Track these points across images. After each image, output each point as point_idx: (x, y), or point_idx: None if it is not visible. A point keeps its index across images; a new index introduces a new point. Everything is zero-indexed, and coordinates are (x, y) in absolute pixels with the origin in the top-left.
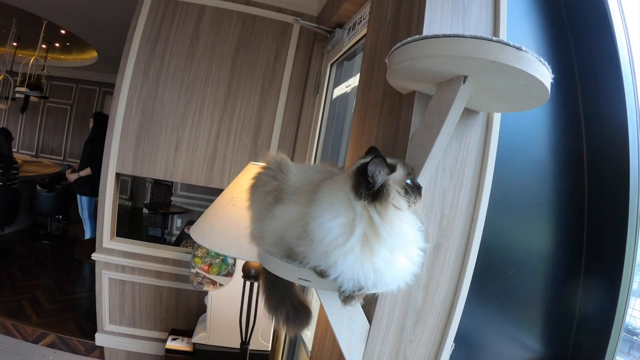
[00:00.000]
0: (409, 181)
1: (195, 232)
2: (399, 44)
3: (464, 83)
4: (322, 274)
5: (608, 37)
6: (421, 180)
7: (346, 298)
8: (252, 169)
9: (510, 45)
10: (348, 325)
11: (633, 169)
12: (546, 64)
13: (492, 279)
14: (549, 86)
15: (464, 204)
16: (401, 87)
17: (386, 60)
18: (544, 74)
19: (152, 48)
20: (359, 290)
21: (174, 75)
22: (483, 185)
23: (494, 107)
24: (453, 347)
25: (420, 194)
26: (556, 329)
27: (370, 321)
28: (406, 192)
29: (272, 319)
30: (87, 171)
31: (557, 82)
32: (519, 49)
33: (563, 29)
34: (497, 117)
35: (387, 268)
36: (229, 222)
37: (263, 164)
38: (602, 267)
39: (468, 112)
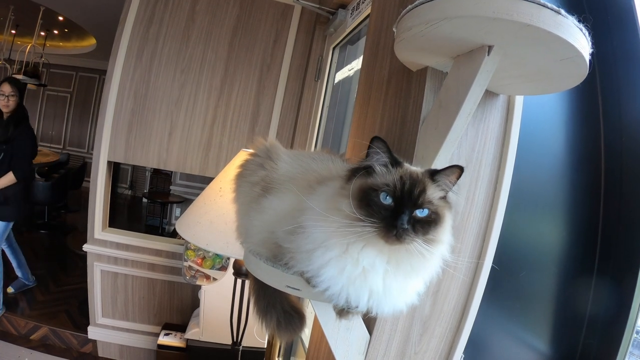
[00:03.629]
0: (385, 196)
1: (181, 225)
2: (410, 5)
3: (488, 54)
4: (309, 282)
5: (631, 32)
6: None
7: (341, 312)
8: (243, 157)
9: (547, 7)
10: (345, 337)
11: None
12: (586, 33)
13: (503, 280)
14: (587, 61)
15: (480, 199)
16: (411, 62)
17: (394, 29)
18: (584, 46)
19: (145, 30)
20: (354, 307)
21: (168, 59)
22: (502, 178)
23: (517, 88)
24: (462, 358)
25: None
26: (566, 331)
27: (370, 332)
28: (363, 198)
29: (261, 324)
30: (8, 179)
31: None
32: (558, 12)
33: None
34: (519, 102)
35: (387, 293)
36: (216, 215)
37: (251, 151)
38: (616, 267)
39: (486, 95)
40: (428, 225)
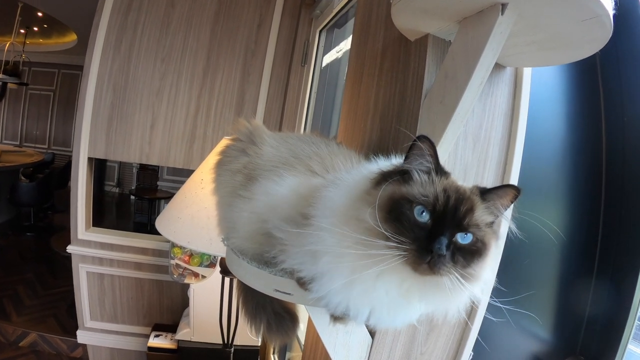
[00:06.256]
0: (421, 211)
1: (161, 221)
2: None
3: (502, 14)
4: (301, 282)
5: (635, 27)
6: (442, 149)
7: (336, 318)
8: (224, 144)
9: None
10: (344, 341)
11: None
12: None
13: (507, 267)
14: (611, 23)
15: (490, 182)
16: (409, 30)
17: None
18: (609, 4)
19: (123, 19)
20: (351, 318)
21: (148, 48)
22: (512, 158)
23: (528, 58)
24: (471, 356)
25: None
26: (567, 319)
27: (372, 335)
28: (392, 210)
29: (250, 327)
30: None
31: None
32: None
33: None
34: (527, 75)
35: (391, 317)
36: (198, 209)
37: (232, 136)
38: (617, 261)
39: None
40: (471, 255)
